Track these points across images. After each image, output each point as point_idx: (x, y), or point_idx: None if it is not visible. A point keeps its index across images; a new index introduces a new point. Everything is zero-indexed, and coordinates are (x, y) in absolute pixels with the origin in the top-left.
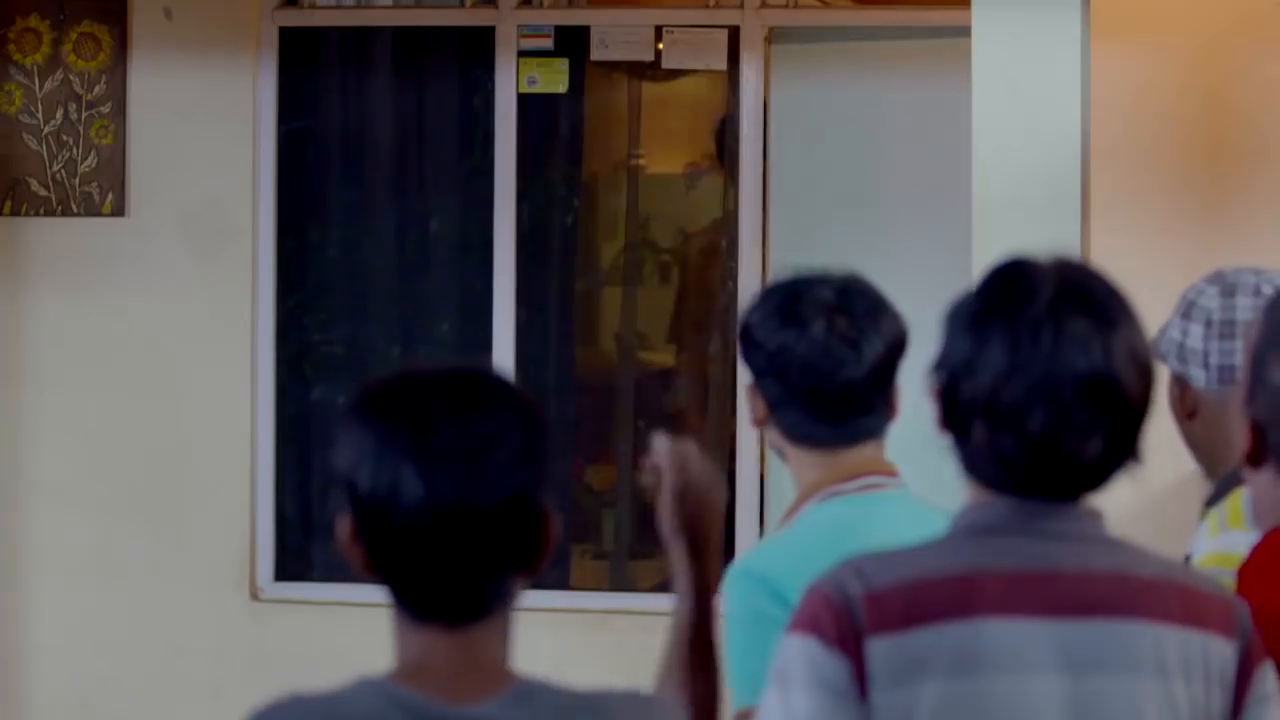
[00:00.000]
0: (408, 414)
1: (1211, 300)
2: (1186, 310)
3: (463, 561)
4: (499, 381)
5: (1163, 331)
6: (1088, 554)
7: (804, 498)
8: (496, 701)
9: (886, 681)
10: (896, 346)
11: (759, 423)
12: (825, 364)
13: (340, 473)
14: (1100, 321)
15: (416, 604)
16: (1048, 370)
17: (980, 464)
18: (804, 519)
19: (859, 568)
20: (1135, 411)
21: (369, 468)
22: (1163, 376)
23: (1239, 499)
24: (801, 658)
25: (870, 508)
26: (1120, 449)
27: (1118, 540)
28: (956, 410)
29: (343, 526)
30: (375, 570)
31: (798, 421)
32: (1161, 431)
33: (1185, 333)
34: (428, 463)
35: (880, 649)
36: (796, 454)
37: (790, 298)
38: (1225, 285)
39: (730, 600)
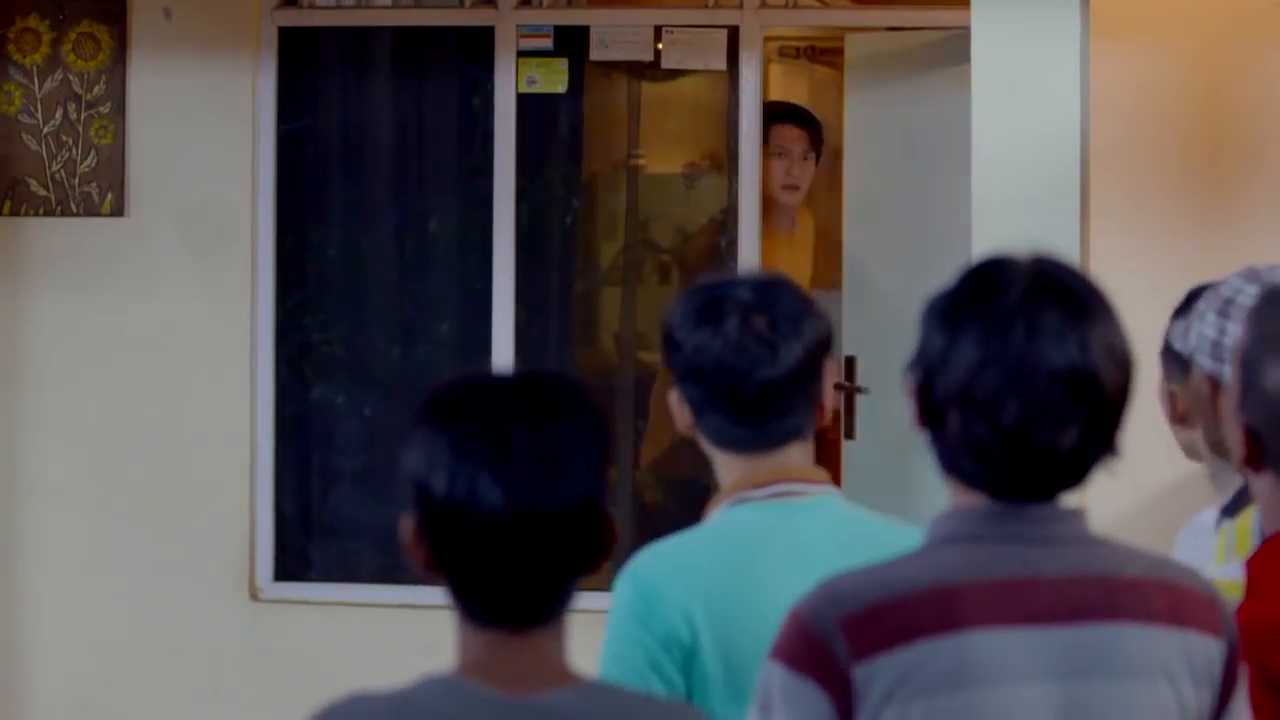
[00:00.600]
0: (484, 420)
1: (1250, 299)
2: (1223, 308)
3: (535, 566)
4: (571, 388)
5: (1189, 324)
6: (1069, 557)
7: (717, 501)
8: (565, 695)
9: (874, 704)
10: (818, 347)
11: (688, 428)
12: (739, 364)
13: (411, 475)
14: (1075, 315)
15: (485, 606)
16: (1021, 362)
17: (956, 457)
18: (705, 524)
19: (834, 592)
20: (1111, 405)
21: (445, 472)
22: (1149, 374)
23: (1249, 520)
24: (780, 688)
25: (778, 515)
26: (1096, 442)
27: (1100, 539)
28: (932, 405)
29: (407, 526)
30: (441, 571)
31: (719, 425)
32: (1159, 433)
33: (1223, 331)
34: (506, 470)
35: (863, 674)
36: (720, 458)
37: (709, 298)
38: (1265, 285)
39: (614, 596)
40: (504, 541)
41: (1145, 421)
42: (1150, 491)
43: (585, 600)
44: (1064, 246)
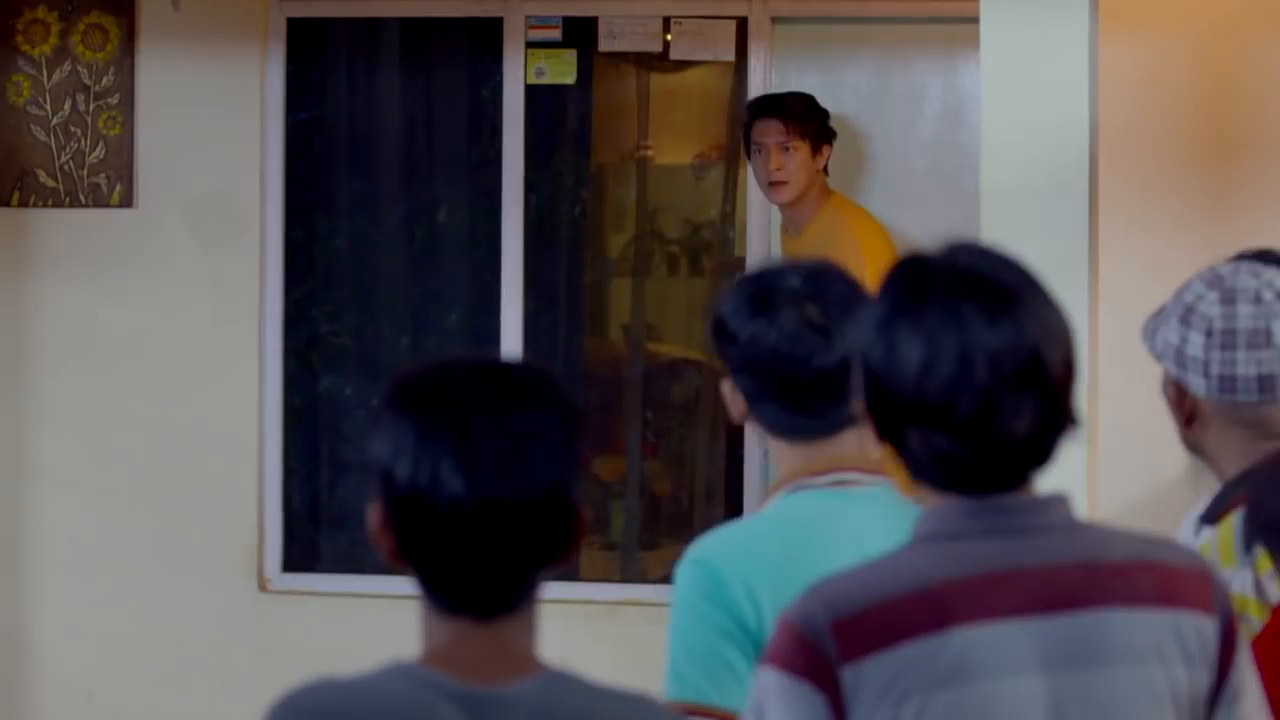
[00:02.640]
0: (448, 407)
1: (1212, 308)
2: (1185, 315)
3: (499, 555)
4: (538, 375)
5: (1156, 326)
6: (1052, 545)
7: (776, 487)
8: (528, 685)
9: (867, 704)
10: None
11: (740, 418)
12: (796, 353)
13: (376, 462)
14: (1003, 299)
15: (449, 595)
16: (963, 356)
17: (924, 468)
18: (768, 510)
19: (823, 596)
20: (1059, 380)
21: (408, 460)
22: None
23: (1230, 529)
24: (775, 692)
25: (836, 504)
26: (1052, 419)
27: (1084, 524)
28: (887, 418)
29: (374, 515)
30: (406, 560)
31: (775, 414)
32: (1167, 421)
33: (1185, 340)
34: (469, 458)
35: (855, 676)
36: (778, 446)
37: (760, 288)
38: (1225, 291)
39: (676, 584)
40: (466, 530)
41: (1156, 408)
42: (1164, 479)
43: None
44: (1072, 237)
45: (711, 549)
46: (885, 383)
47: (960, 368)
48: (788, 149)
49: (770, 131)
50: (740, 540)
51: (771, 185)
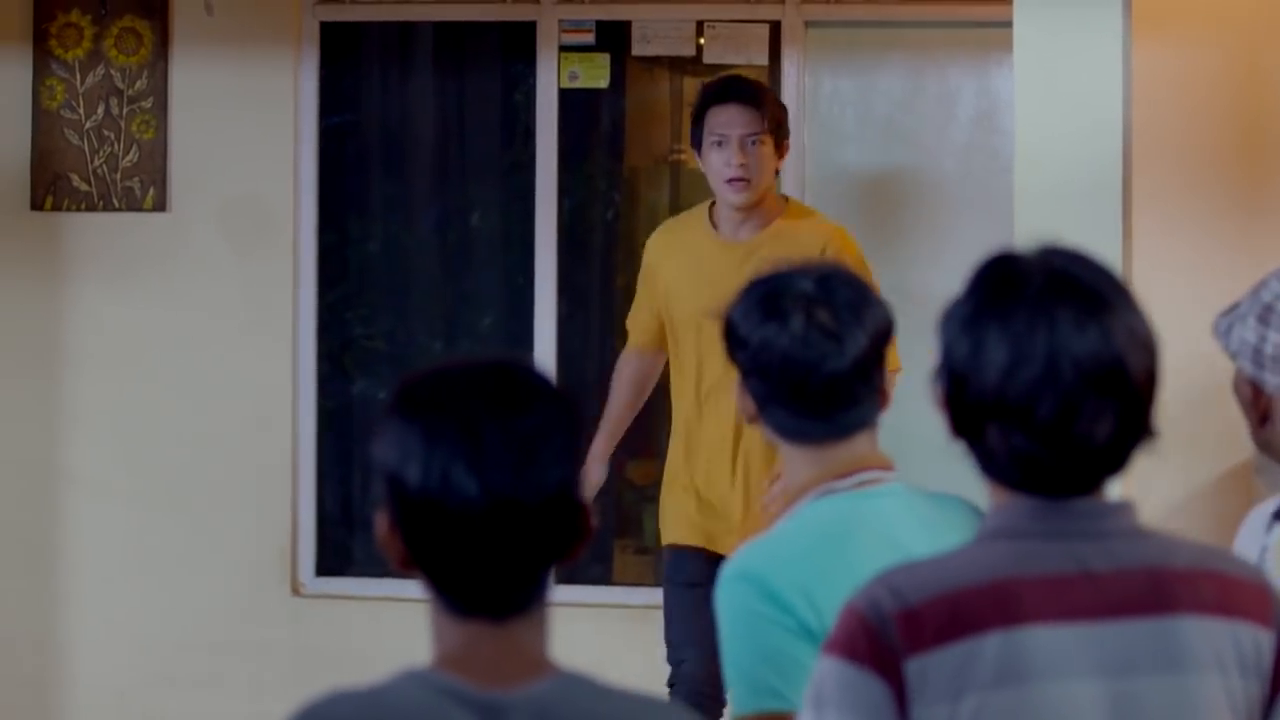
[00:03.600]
0: (454, 410)
1: None
2: (1263, 314)
3: (512, 556)
4: (539, 377)
5: (1230, 324)
6: (1118, 551)
7: (798, 494)
8: (541, 687)
9: (927, 698)
10: (880, 336)
11: (751, 420)
12: (807, 358)
13: (384, 467)
14: (1094, 305)
15: (462, 598)
16: (1049, 359)
17: (998, 465)
18: (798, 517)
19: (892, 584)
20: (1142, 389)
21: (418, 464)
22: (1191, 366)
23: None
24: (836, 681)
25: (864, 504)
26: (1132, 428)
27: (1149, 531)
28: (966, 414)
29: (382, 520)
30: (416, 564)
31: (785, 418)
32: (1210, 425)
33: (1264, 339)
34: (479, 459)
35: (918, 667)
36: (789, 450)
37: (770, 292)
38: None
39: (723, 603)
40: (480, 532)
41: (1195, 412)
42: (1200, 482)
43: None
44: (1106, 239)
45: (753, 561)
46: (968, 379)
47: (1046, 370)
48: (755, 142)
49: (737, 121)
50: (781, 549)
51: (731, 183)
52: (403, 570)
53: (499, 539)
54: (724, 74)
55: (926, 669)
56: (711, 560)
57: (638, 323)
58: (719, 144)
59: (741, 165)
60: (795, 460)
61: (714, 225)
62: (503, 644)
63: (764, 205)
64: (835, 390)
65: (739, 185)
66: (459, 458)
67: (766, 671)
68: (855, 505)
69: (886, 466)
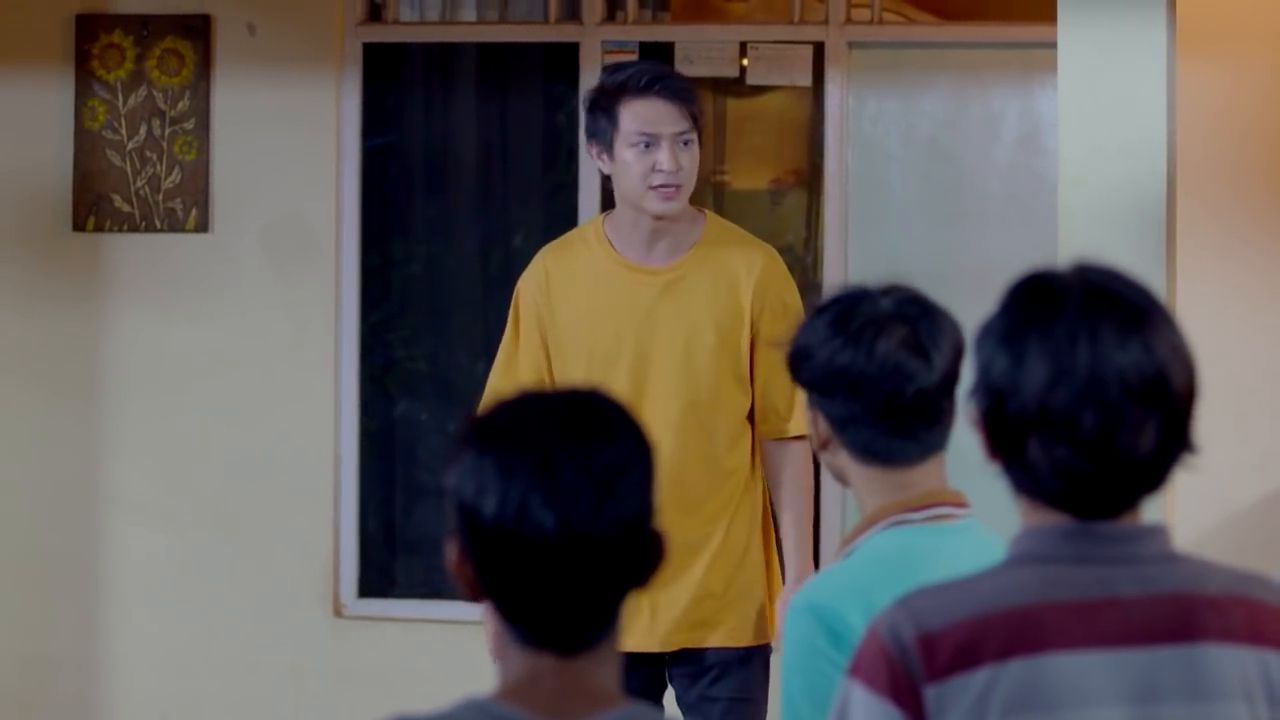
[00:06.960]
0: (531, 442)
1: None
2: None
3: (586, 589)
4: (614, 407)
5: None
6: (1148, 576)
7: (870, 523)
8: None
9: None
10: (959, 353)
11: (823, 445)
12: (898, 375)
13: (457, 499)
14: (1134, 318)
15: (532, 630)
16: (1092, 371)
17: (1040, 480)
18: (868, 547)
19: (913, 609)
20: (1183, 402)
21: (493, 496)
22: (1231, 387)
23: None
24: (858, 705)
25: (937, 540)
26: (1174, 443)
27: (1181, 556)
28: (1005, 431)
29: (453, 550)
30: (488, 594)
31: (870, 438)
32: (1245, 450)
33: None
34: (556, 492)
35: (937, 694)
36: (862, 474)
37: (846, 313)
38: None
39: (789, 633)
40: (555, 564)
41: (1232, 435)
42: (1239, 506)
43: None
44: (1150, 261)
45: (823, 593)
46: (1008, 395)
47: (1089, 382)
48: (687, 143)
49: (669, 118)
50: (851, 581)
51: (661, 189)
52: (473, 599)
53: (574, 572)
54: (625, 59)
55: (946, 695)
56: None
57: (529, 362)
58: (647, 145)
59: (677, 170)
60: (868, 486)
61: (612, 245)
62: (568, 678)
63: (680, 218)
64: (924, 406)
65: (670, 192)
66: (536, 490)
67: (816, 715)
68: (928, 540)
69: (961, 503)
